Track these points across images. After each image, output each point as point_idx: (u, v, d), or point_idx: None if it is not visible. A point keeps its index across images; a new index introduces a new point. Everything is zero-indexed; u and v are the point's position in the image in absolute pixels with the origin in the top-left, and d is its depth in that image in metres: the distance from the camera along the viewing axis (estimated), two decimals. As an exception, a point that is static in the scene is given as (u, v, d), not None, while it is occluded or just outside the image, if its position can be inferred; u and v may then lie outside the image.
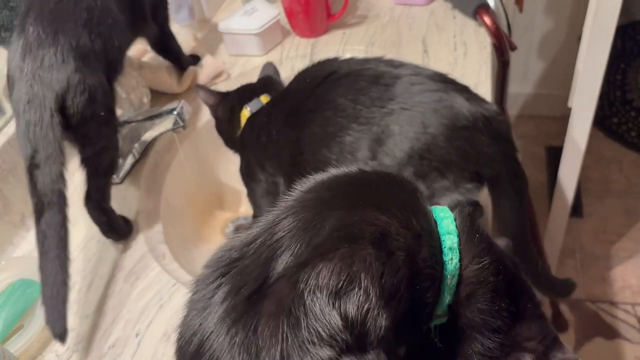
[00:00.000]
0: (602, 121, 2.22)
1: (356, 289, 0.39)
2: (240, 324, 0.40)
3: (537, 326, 0.47)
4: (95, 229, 0.85)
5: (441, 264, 0.45)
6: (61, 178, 0.70)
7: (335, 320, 0.39)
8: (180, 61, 1.08)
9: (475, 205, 0.64)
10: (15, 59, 0.71)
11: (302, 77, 0.86)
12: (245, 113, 0.92)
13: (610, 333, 1.64)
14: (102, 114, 0.75)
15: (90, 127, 0.74)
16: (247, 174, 0.93)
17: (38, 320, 0.72)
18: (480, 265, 0.46)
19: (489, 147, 0.73)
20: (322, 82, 0.80)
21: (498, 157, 0.74)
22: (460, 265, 0.45)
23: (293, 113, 0.83)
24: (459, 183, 0.73)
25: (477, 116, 0.72)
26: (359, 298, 0.39)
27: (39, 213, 0.69)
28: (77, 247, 0.83)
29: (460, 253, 0.46)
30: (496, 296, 0.45)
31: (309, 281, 0.39)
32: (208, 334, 0.42)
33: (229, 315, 0.41)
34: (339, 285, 0.39)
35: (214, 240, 1.02)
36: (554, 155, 1.84)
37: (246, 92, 0.94)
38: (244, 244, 0.45)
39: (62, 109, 0.71)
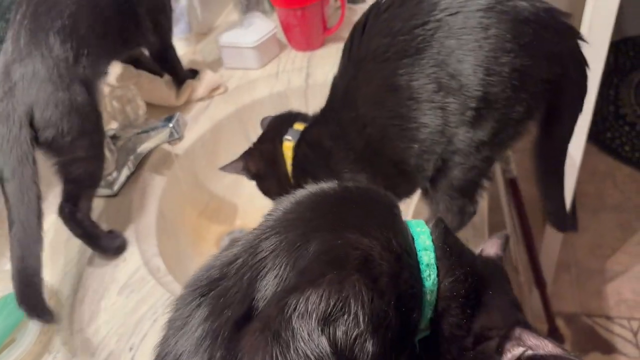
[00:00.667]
0: (596, 136, 2.23)
1: (345, 315, 0.40)
2: (222, 346, 0.40)
3: (502, 314, 0.48)
4: (89, 242, 0.84)
5: (420, 281, 0.46)
6: (31, 190, 0.70)
7: (324, 345, 0.39)
8: (178, 74, 1.08)
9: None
10: None
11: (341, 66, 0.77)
12: (288, 144, 0.85)
13: (607, 348, 1.64)
14: (78, 126, 0.75)
15: (65, 141, 0.74)
16: None
17: (30, 334, 0.71)
18: (454, 278, 0.46)
19: (556, 43, 0.61)
20: (352, 45, 0.70)
21: (566, 54, 0.63)
22: (438, 279, 0.46)
23: (345, 94, 0.74)
24: (532, 106, 0.63)
25: (539, 8, 0.60)
26: (348, 324, 0.40)
27: (10, 224, 0.70)
28: (71, 260, 0.82)
29: (437, 268, 0.46)
30: (467, 305, 0.46)
31: (298, 306, 0.39)
32: (182, 352, 0.42)
33: (209, 336, 0.41)
34: (328, 311, 0.39)
35: (209, 253, 1.01)
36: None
37: (270, 134, 0.89)
38: (224, 263, 0.45)
39: (32, 122, 0.71)
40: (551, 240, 1.62)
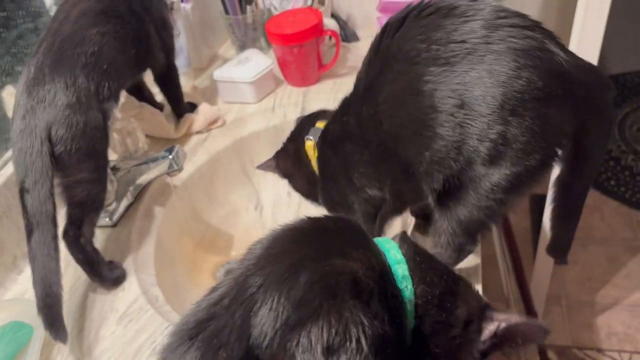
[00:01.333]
0: (583, 170, 2.27)
1: (348, 342, 0.41)
2: None
3: (476, 302, 0.53)
4: (88, 272, 0.85)
5: (400, 292, 0.48)
6: (49, 200, 0.74)
7: None
8: (179, 105, 1.11)
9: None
10: (17, 95, 0.78)
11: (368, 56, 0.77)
12: (309, 144, 0.85)
13: (598, 381, 1.64)
14: (87, 148, 0.79)
15: (72, 160, 0.78)
16: (341, 204, 0.84)
17: (29, 363, 0.71)
18: (427, 285, 0.50)
19: (587, 99, 0.62)
20: (382, 40, 0.69)
21: (598, 108, 0.63)
22: (415, 290, 0.49)
23: (367, 89, 0.73)
24: (549, 156, 0.63)
25: (574, 64, 0.61)
26: (352, 350, 0.41)
27: (29, 234, 0.73)
28: (70, 288, 0.83)
29: (412, 279, 0.50)
30: (444, 304, 0.51)
31: (301, 341, 0.40)
32: None
33: None
34: (331, 341, 0.40)
35: (206, 285, 1.01)
36: (537, 202, 1.88)
37: (296, 133, 0.90)
38: (210, 304, 0.45)
39: (49, 139, 0.76)
40: (541, 273, 1.64)
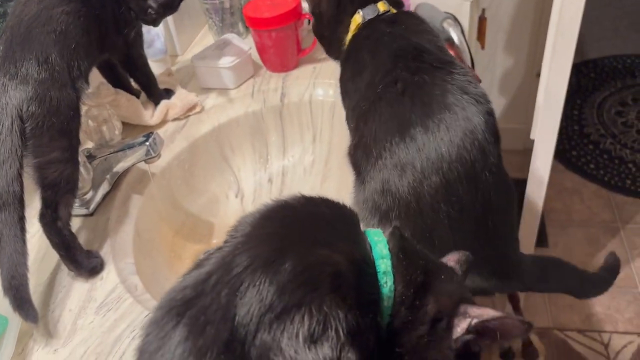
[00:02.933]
0: (562, 154, 2.30)
1: (328, 331, 0.42)
2: None
3: (450, 299, 0.51)
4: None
5: (378, 288, 0.48)
6: (17, 180, 0.73)
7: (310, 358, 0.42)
8: (152, 91, 1.09)
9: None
10: None
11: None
12: (357, 18, 0.84)
13: (579, 361, 1.67)
14: (60, 125, 0.78)
15: (44, 138, 0.77)
16: (343, 90, 0.88)
17: (4, 355, 0.70)
18: (407, 283, 0.49)
19: None
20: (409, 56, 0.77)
21: None
22: (395, 287, 0.49)
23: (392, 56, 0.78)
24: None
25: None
26: (332, 339, 0.42)
27: None
28: (46, 279, 0.81)
29: (393, 275, 0.49)
30: (419, 301, 0.49)
31: (286, 328, 0.42)
32: None
33: (193, 355, 0.42)
34: (313, 330, 0.42)
35: (186, 273, 1.01)
36: (518, 187, 1.89)
37: None
38: (197, 282, 0.45)
39: (20, 117, 0.75)
40: (522, 256, 1.65)
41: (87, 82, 0.86)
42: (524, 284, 0.84)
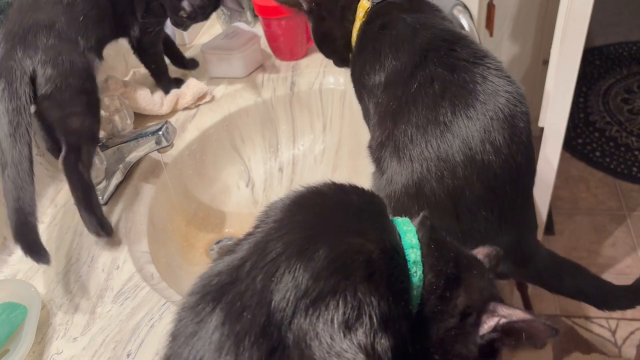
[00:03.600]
0: (568, 142, 2.30)
1: (362, 317, 0.43)
2: (249, 349, 0.42)
3: (480, 294, 0.51)
4: (80, 252, 0.84)
5: (408, 277, 0.48)
6: (25, 137, 0.75)
7: (350, 348, 0.43)
8: (161, 80, 1.09)
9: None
10: None
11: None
12: (365, 3, 0.79)
13: (587, 347, 1.67)
14: (78, 86, 0.82)
15: (64, 96, 0.81)
16: (358, 86, 0.82)
17: (24, 344, 0.70)
18: (437, 273, 0.49)
19: None
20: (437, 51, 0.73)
21: None
22: (424, 276, 0.49)
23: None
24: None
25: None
26: (366, 325, 0.43)
27: (3, 167, 0.75)
28: (63, 269, 0.82)
29: (423, 265, 0.49)
30: (449, 293, 0.49)
31: (322, 314, 0.43)
32: (201, 357, 0.43)
33: (231, 340, 0.42)
34: (348, 316, 0.43)
35: (199, 262, 1.01)
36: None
37: None
38: (232, 267, 0.46)
39: (33, 79, 0.78)
40: (530, 244, 1.66)
41: (98, 56, 0.89)
42: (537, 275, 0.83)
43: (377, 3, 0.79)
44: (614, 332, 1.70)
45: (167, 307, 0.75)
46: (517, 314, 0.48)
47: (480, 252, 0.58)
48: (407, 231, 0.50)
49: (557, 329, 0.47)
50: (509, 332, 0.49)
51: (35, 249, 0.72)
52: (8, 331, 0.72)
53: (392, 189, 0.73)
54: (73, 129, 0.83)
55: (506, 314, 0.49)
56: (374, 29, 0.79)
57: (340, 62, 0.90)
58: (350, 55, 0.84)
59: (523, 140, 0.70)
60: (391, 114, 0.73)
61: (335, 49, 0.88)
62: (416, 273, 0.48)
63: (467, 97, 0.68)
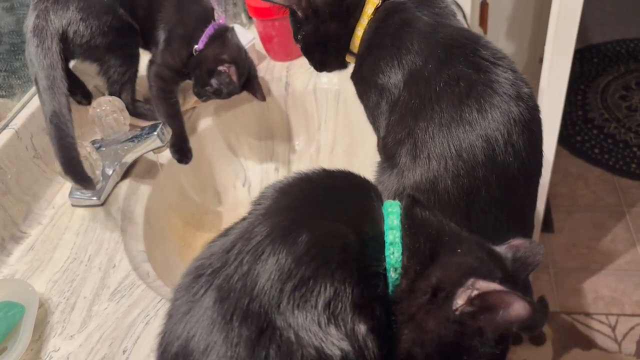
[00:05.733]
0: (566, 139, 2.30)
1: (340, 303, 0.45)
2: (236, 326, 0.44)
3: (461, 271, 0.49)
4: (77, 250, 0.85)
5: (383, 259, 0.49)
6: (62, 82, 0.87)
7: (335, 333, 0.44)
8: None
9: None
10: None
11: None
12: (374, 0, 0.77)
13: (587, 344, 1.68)
14: (108, 43, 0.94)
15: (99, 51, 0.95)
16: (365, 84, 0.80)
17: (21, 342, 0.71)
18: (415, 253, 0.50)
19: None
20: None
21: None
22: (403, 257, 0.49)
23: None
24: None
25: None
26: (344, 312, 0.45)
27: (46, 115, 0.85)
28: (60, 268, 0.83)
29: (402, 246, 0.49)
30: (426, 272, 0.49)
31: (306, 296, 0.44)
32: (194, 334, 0.45)
33: (220, 318, 0.44)
34: (328, 298, 0.44)
35: (196, 261, 1.02)
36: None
37: None
38: (224, 250, 0.48)
39: (65, 39, 0.90)
40: (528, 241, 1.66)
41: (136, 32, 0.99)
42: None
43: (385, 0, 0.78)
44: (613, 328, 1.70)
45: (162, 304, 0.76)
46: (490, 286, 0.46)
47: (514, 244, 0.56)
48: (391, 213, 0.51)
49: (531, 302, 0.45)
50: (484, 307, 0.46)
51: (82, 177, 0.83)
52: (6, 329, 0.73)
53: (402, 184, 0.72)
54: (113, 80, 0.97)
55: (483, 286, 0.46)
56: (392, 25, 0.77)
57: (327, 65, 0.88)
58: (355, 54, 0.81)
59: (538, 143, 0.72)
60: (413, 111, 0.72)
61: (330, 51, 0.84)
62: (393, 254, 0.49)
63: (492, 98, 0.68)
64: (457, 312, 0.47)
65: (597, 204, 2.07)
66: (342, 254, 0.46)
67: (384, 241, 0.49)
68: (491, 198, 0.69)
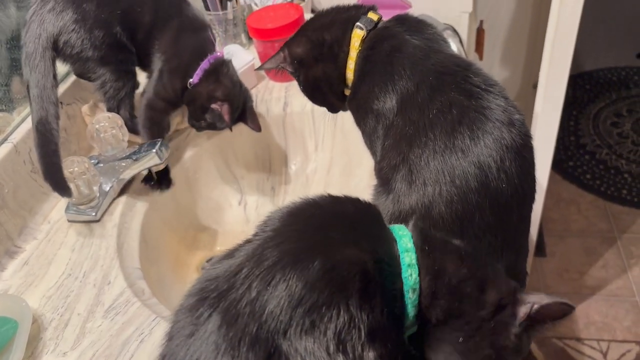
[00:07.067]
0: (559, 164, 2.32)
1: (353, 331, 0.45)
2: (244, 352, 0.43)
3: (501, 285, 0.53)
4: (72, 266, 0.85)
5: (401, 281, 0.50)
6: (52, 91, 0.88)
7: (340, 357, 0.44)
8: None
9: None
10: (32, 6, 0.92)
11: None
12: (358, 32, 0.78)
13: (578, 369, 1.68)
14: (99, 55, 0.94)
15: (89, 63, 0.95)
16: (361, 111, 0.81)
17: (14, 358, 0.70)
18: (435, 274, 0.50)
19: None
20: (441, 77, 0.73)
21: None
22: (420, 278, 0.50)
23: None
24: None
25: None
26: (354, 337, 0.45)
27: (34, 120, 0.86)
28: (55, 284, 0.82)
29: (418, 268, 0.50)
30: (457, 291, 0.51)
31: (317, 324, 0.44)
32: (198, 357, 0.44)
33: (226, 343, 0.44)
34: (340, 328, 0.44)
35: (190, 279, 1.01)
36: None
37: (332, 21, 0.82)
38: (230, 273, 0.47)
39: (56, 47, 0.91)
40: (521, 265, 1.67)
41: (131, 51, 0.99)
42: None
43: (370, 30, 0.80)
44: (605, 354, 1.70)
45: (157, 322, 0.75)
46: (545, 298, 0.51)
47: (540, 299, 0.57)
48: (403, 236, 0.52)
49: (573, 305, 0.51)
50: (538, 317, 0.51)
51: (61, 186, 0.85)
52: (-2, 345, 0.72)
53: (398, 208, 0.73)
54: (109, 96, 0.97)
55: (536, 300, 0.51)
56: (383, 52, 0.78)
57: (334, 106, 0.90)
58: (350, 85, 0.83)
59: (530, 169, 0.72)
60: (407, 138, 0.73)
61: (330, 89, 0.85)
62: (411, 276, 0.49)
63: (484, 124, 0.69)
64: (519, 327, 0.51)
65: (589, 229, 2.08)
66: (361, 280, 0.46)
67: (399, 264, 0.50)
68: (485, 223, 0.69)
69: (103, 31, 0.93)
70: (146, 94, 1.01)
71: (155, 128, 1.01)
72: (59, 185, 0.84)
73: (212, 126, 1.03)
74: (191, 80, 0.99)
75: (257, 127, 1.07)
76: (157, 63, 0.99)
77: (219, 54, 1.02)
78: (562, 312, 0.51)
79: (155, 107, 1.00)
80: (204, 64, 0.99)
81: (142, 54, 1.00)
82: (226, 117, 0.98)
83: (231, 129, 1.02)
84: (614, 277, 1.91)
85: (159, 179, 1.02)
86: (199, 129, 1.05)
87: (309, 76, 0.85)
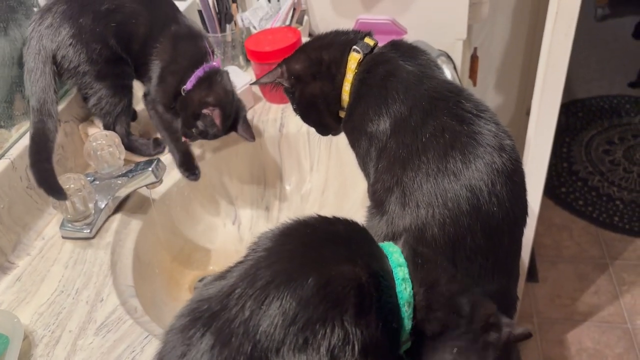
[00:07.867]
0: (552, 191, 2.34)
1: (346, 347, 0.45)
2: None
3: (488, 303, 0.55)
4: (65, 282, 0.84)
5: (396, 295, 0.50)
6: (52, 105, 0.92)
7: None
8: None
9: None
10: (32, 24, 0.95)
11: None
12: (355, 56, 0.80)
13: (570, 396, 1.67)
14: (96, 70, 0.97)
15: (86, 78, 0.98)
16: (356, 133, 0.82)
17: (4, 374, 0.70)
18: (429, 286, 0.52)
19: None
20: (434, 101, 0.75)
21: None
22: (414, 292, 0.51)
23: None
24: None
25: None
26: (348, 352, 0.45)
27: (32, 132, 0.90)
28: (47, 300, 0.82)
29: (412, 281, 0.51)
30: (445, 307, 0.52)
31: (310, 341, 0.44)
32: None
33: None
34: (334, 344, 0.44)
35: (183, 298, 1.01)
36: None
37: (332, 42, 0.84)
38: (223, 294, 0.47)
39: (55, 62, 0.94)
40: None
41: (128, 64, 1.01)
42: None
43: (367, 54, 0.82)
44: (597, 381, 1.70)
45: (149, 340, 0.75)
46: (512, 324, 0.54)
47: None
48: (394, 252, 0.53)
49: (531, 334, 0.55)
50: (507, 343, 0.54)
51: (56, 189, 0.86)
52: (-12, 361, 0.72)
53: (391, 230, 0.74)
54: (105, 111, 1.00)
55: (509, 323, 0.54)
56: (378, 76, 0.80)
57: (328, 126, 0.92)
58: (345, 107, 0.85)
59: (522, 193, 0.74)
60: (400, 160, 0.74)
61: (327, 108, 0.87)
62: (406, 289, 0.50)
63: (476, 149, 0.70)
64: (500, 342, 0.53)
65: (581, 255, 2.09)
66: (357, 295, 0.46)
67: (392, 278, 0.50)
68: (476, 246, 0.70)
69: (99, 45, 0.96)
70: (149, 98, 1.05)
71: (171, 129, 1.05)
72: (53, 188, 0.86)
73: (204, 134, 1.02)
74: (185, 86, 1.00)
75: (251, 136, 1.07)
76: (155, 70, 1.01)
77: (215, 63, 1.03)
78: (523, 337, 0.54)
79: (161, 112, 1.03)
80: (199, 72, 1.00)
81: (138, 63, 1.02)
82: (217, 121, 0.99)
83: (224, 134, 1.04)
84: (605, 304, 1.92)
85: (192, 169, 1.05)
86: (191, 137, 1.05)
87: (305, 93, 0.86)
